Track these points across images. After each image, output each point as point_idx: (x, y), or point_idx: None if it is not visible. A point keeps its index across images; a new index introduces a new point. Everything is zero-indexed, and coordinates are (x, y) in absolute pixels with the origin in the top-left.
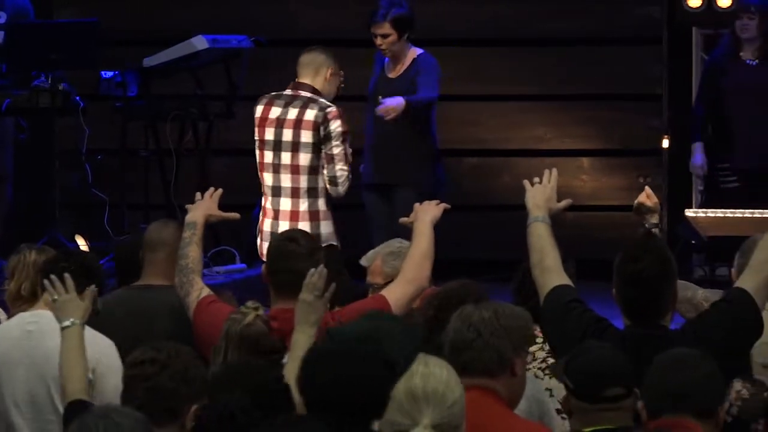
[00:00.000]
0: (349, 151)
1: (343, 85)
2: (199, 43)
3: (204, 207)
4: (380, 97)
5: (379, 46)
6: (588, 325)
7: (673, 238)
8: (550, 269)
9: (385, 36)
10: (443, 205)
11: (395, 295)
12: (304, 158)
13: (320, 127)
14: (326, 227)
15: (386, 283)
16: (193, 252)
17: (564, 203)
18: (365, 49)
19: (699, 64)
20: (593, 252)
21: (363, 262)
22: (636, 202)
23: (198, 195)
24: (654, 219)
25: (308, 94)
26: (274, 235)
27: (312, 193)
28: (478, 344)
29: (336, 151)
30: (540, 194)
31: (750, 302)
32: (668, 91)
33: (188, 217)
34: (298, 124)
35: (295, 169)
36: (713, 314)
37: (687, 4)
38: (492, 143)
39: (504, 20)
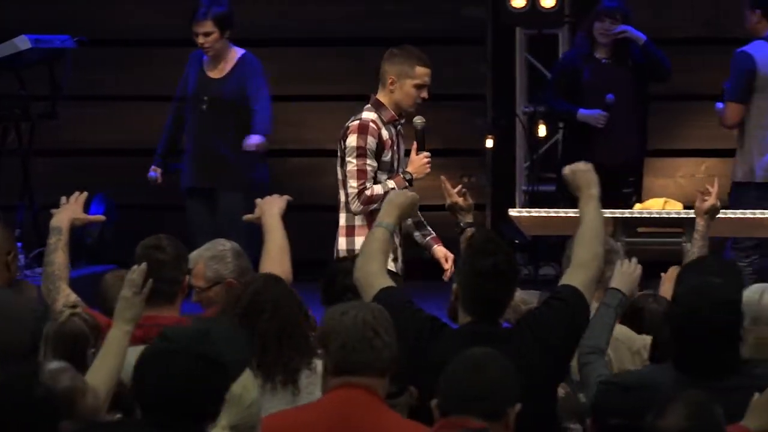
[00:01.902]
0: (369, 167)
1: (423, 94)
2: (22, 43)
3: (69, 211)
4: (206, 97)
5: (201, 45)
6: (422, 324)
7: None
8: (375, 273)
9: (207, 34)
10: (286, 197)
11: None
12: (339, 172)
13: (341, 141)
14: (360, 243)
15: (209, 287)
16: (59, 258)
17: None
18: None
19: (523, 64)
20: (418, 251)
21: None
22: (449, 201)
23: (63, 199)
24: (468, 218)
25: (366, 105)
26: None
27: (348, 207)
28: (376, 344)
29: (348, 167)
30: (396, 201)
31: (584, 301)
32: (492, 91)
33: (53, 222)
34: (339, 137)
35: (338, 182)
36: (550, 313)
37: (511, 5)
38: (316, 143)
39: (329, 20)
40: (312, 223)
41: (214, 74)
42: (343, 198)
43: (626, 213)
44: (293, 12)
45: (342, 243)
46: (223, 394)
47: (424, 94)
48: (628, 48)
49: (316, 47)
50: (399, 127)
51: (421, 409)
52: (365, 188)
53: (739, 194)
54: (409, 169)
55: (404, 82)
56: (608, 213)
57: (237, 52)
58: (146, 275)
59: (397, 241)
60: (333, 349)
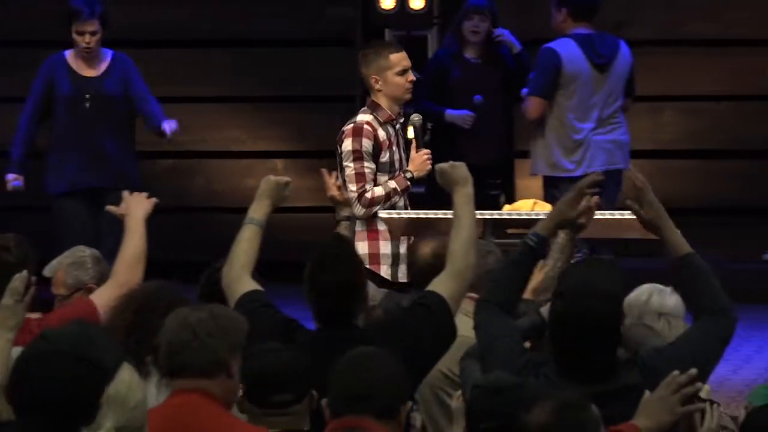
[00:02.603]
0: (368, 169)
1: (409, 83)
2: None
3: None
4: (87, 95)
5: (87, 45)
6: (277, 326)
7: None
8: (236, 279)
9: (94, 33)
10: (153, 200)
11: (103, 299)
12: (341, 176)
13: (338, 146)
14: (359, 248)
15: (70, 294)
16: None
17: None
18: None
19: None
20: (287, 254)
21: (46, 272)
22: (329, 194)
23: None
24: (345, 212)
25: (363, 108)
26: None
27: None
28: (194, 345)
29: (346, 172)
30: (266, 195)
31: (447, 310)
32: (362, 92)
33: None
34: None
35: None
36: (411, 318)
37: (380, 6)
38: (187, 145)
39: (198, 21)
40: (182, 225)
41: (90, 73)
42: None
43: (495, 214)
44: (161, 13)
45: (363, 247)
46: (101, 396)
47: (411, 77)
48: (499, 49)
49: (185, 48)
50: (398, 126)
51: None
52: (365, 191)
53: (554, 188)
54: (409, 168)
55: (386, 74)
56: (478, 214)
57: (106, 51)
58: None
59: (402, 249)
60: (160, 352)
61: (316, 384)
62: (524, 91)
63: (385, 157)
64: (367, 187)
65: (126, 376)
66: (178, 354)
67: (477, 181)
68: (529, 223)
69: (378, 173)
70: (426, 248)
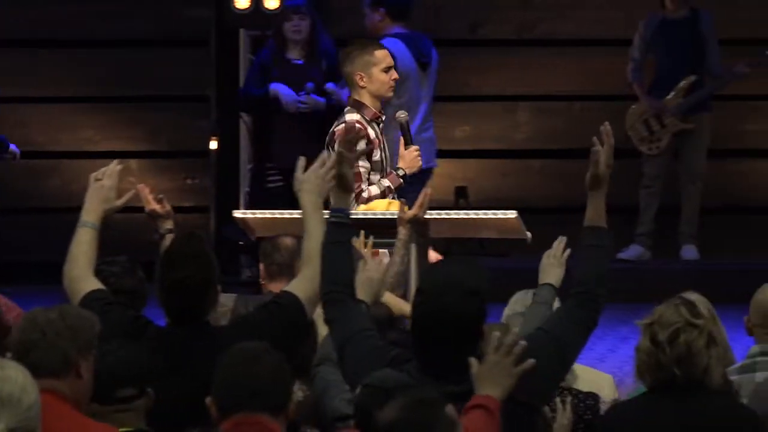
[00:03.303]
0: (363, 168)
1: (393, 80)
2: None
3: None
4: None
5: None
6: (125, 323)
7: (220, 239)
8: (79, 278)
9: None
10: None
11: None
12: None
13: (329, 147)
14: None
15: None
16: None
17: (123, 200)
18: None
19: (246, 65)
20: (139, 254)
21: None
22: (148, 209)
23: None
24: (168, 224)
25: (346, 108)
26: None
27: None
28: (42, 345)
29: None
30: (96, 196)
31: (300, 308)
32: (216, 92)
33: None
34: (326, 143)
35: None
36: (265, 316)
37: (234, 6)
38: (42, 145)
39: (53, 21)
40: (37, 225)
41: None
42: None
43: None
44: (16, 12)
45: None
46: None
47: (394, 74)
48: (322, 47)
49: (40, 48)
50: (381, 124)
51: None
52: (362, 191)
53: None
54: (400, 165)
55: (371, 71)
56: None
57: None
58: None
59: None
60: (11, 352)
61: (168, 380)
62: (329, 85)
63: (377, 156)
64: (363, 186)
65: (19, 377)
66: (27, 354)
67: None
68: (384, 222)
69: (371, 172)
70: (286, 244)
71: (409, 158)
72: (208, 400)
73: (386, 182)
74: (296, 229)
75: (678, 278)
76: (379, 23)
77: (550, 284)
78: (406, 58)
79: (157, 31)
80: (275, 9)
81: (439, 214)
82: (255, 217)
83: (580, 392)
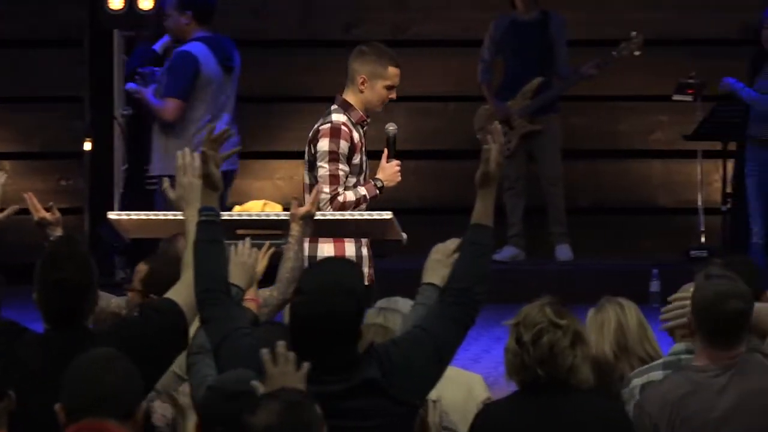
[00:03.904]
0: (342, 171)
1: (392, 95)
2: None
3: None
4: None
5: None
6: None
7: (94, 241)
8: None
9: None
10: None
11: None
12: (306, 177)
13: (311, 145)
14: (324, 250)
15: None
16: None
17: (4, 215)
18: None
19: (120, 66)
20: (17, 257)
21: None
22: (37, 217)
23: None
24: (58, 231)
25: (333, 107)
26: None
27: None
28: None
29: (320, 172)
30: None
31: (179, 313)
32: (90, 93)
33: None
34: (308, 140)
35: (303, 187)
36: (142, 321)
37: (108, 7)
38: None
39: None
40: None
41: None
42: None
43: (225, 215)
44: None
45: (306, 249)
46: None
47: (393, 95)
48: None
49: None
50: (366, 128)
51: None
52: (338, 194)
53: None
54: (379, 176)
55: (376, 82)
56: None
57: None
58: None
59: (364, 251)
60: None
61: (45, 385)
62: (130, 85)
63: (356, 160)
64: (340, 190)
65: None
66: None
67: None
68: (258, 224)
69: (349, 175)
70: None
71: (390, 171)
72: (57, 405)
73: (363, 191)
74: (171, 230)
75: (552, 278)
76: (185, 26)
77: (433, 284)
78: (211, 63)
79: (31, 32)
80: (149, 10)
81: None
82: (129, 219)
83: None
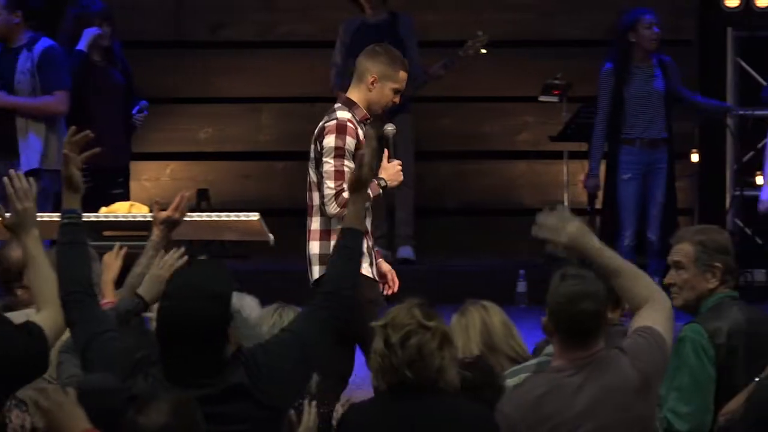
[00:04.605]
0: (347, 168)
1: (396, 99)
2: None
3: None
4: None
5: None
6: None
7: None
8: None
9: None
10: None
11: None
12: (312, 173)
13: (317, 141)
14: (314, 249)
15: None
16: None
17: None
18: None
19: None
20: None
21: None
22: None
23: None
24: None
25: (337, 104)
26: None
27: (323, 210)
28: None
29: (325, 168)
30: None
31: (43, 337)
32: None
33: None
34: (312, 137)
35: (309, 185)
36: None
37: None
38: None
39: None
40: None
41: None
42: (316, 201)
43: (92, 216)
44: None
45: (315, 247)
46: None
47: (397, 99)
48: (117, 55)
49: None
50: (366, 127)
51: None
52: (343, 190)
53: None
54: (383, 176)
55: (385, 84)
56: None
57: None
58: None
59: (370, 243)
60: None
61: None
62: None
63: None
64: (345, 186)
65: None
66: None
67: (100, 182)
68: (125, 225)
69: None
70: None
71: (392, 171)
72: None
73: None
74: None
75: (419, 279)
76: (15, 25)
77: None
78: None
79: None
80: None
81: None
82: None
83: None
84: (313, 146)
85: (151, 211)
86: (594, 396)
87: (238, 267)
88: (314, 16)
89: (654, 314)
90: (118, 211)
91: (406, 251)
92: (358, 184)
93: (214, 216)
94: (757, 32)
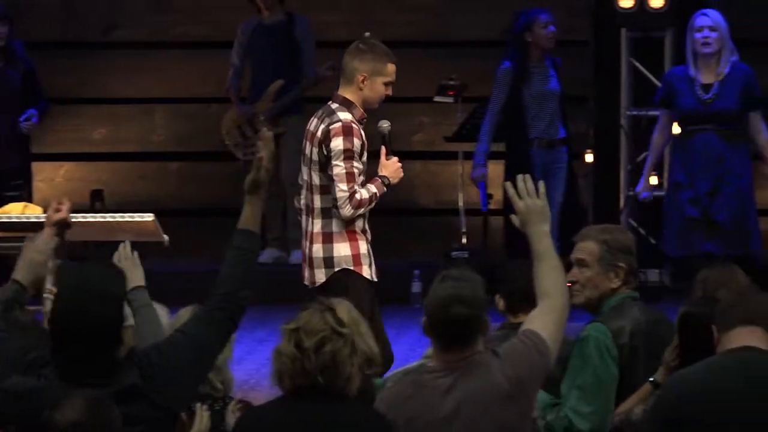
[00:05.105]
0: (357, 169)
1: (389, 92)
2: None
3: None
4: None
5: None
6: None
7: None
8: None
9: None
10: None
11: None
12: (315, 176)
13: (323, 144)
14: (341, 250)
15: None
16: None
17: None
18: None
19: None
20: None
21: None
22: None
23: None
24: None
25: (334, 106)
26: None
27: (326, 213)
28: None
29: (336, 171)
30: None
31: None
32: None
33: None
34: (311, 139)
35: (310, 188)
36: None
37: None
38: None
39: None
40: None
41: None
42: (318, 203)
43: None
44: None
45: (318, 249)
46: None
47: (389, 91)
48: (18, 55)
49: None
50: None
51: None
52: (355, 191)
53: None
54: (384, 173)
55: (375, 79)
56: None
57: None
58: None
59: (368, 246)
60: None
61: None
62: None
63: (364, 158)
64: (356, 188)
65: None
66: None
67: None
68: (18, 226)
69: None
70: None
71: (393, 168)
72: None
73: (373, 188)
74: None
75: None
76: None
77: (142, 287)
78: None
79: None
80: None
81: (74, 217)
82: None
83: (228, 398)
84: (316, 149)
85: (45, 212)
86: (460, 399)
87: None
88: (208, 17)
89: (544, 317)
90: (11, 211)
91: (299, 256)
92: (254, 186)
93: (109, 217)
94: (651, 33)
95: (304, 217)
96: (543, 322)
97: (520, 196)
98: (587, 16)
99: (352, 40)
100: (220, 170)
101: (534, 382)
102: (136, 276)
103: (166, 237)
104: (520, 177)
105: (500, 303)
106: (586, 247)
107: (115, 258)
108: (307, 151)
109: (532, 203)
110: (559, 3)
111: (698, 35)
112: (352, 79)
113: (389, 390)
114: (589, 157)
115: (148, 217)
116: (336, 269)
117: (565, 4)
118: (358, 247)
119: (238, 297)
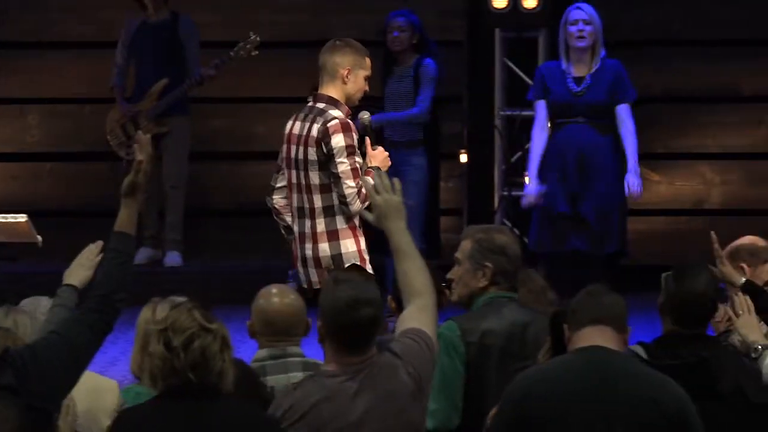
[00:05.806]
0: (359, 164)
1: (367, 87)
2: None
3: None
4: None
5: None
6: None
7: None
8: None
9: None
10: None
11: None
12: (314, 177)
13: (322, 143)
14: (348, 246)
15: None
16: None
17: None
18: None
19: None
20: None
21: None
22: None
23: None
24: None
25: (321, 105)
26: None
27: (328, 211)
28: None
29: (341, 168)
30: None
31: None
32: None
33: None
34: (305, 140)
35: (308, 189)
36: None
37: None
38: None
39: None
40: None
41: None
42: (319, 203)
43: None
44: None
45: (325, 248)
46: None
47: (368, 86)
48: None
49: None
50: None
51: None
52: (362, 187)
53: None
54: (375, 164)
55: (358, 73)
56: None
57: None
58: None
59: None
60: None
61: None
62: None
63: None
64: (361, 183)
65: None
66: None
67: None
68: None
69: None
70: None
71: (381, 157)
72: None
73: (370, 180)
74: None
75: (191, 280)
76: None
77: (72, 285)
78: None
79: None
80: None
81: None
82: None
83: None
84: (313, 149)
85: None
86: (371, 402)
87: (6, 269)
88: (87, 16)
89: (420, 315)
90: None
91: (173, 258)
92: (131, 189)
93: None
94: (524, 33)
95: (297, 219)
96: (421, 320)
97: (377, 191)
98: (462, 17)
99: (231, 41)
100: (95, 171)
101: (429, 379)
102: (77, 275)
103: (39, 238)
104: (375, 173)
105: (392, 304)
106: (462, 246)
107: (84, 253)
108: (299, 153)
109: (390, 198)
110: (434, 4)
111: (573, 28)
112: (335, 75)
113: (293, 393)
114: (463, 158)
115: (22, 218)
116: (346, 266)
117: (440, 5)
118: (359, 243)
119: (113, 299)
